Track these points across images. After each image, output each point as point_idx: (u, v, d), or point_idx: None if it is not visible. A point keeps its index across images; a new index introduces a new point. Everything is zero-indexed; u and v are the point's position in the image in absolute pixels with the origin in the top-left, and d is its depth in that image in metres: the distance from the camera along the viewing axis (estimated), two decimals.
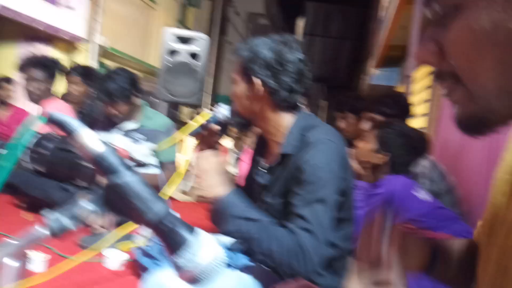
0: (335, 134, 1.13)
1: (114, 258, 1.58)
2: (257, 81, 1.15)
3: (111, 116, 2.32)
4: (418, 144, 1.71)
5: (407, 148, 1.66)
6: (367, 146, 1.74)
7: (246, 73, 1.17)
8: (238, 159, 4.34)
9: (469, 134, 0.43)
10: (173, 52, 2.83)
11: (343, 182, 1.09)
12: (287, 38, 1.18)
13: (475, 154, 2.02)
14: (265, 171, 1.25)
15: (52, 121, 0.48)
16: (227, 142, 4.69)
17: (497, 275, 0.51)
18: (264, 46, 1.14)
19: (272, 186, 1.13)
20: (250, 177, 1.35)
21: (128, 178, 0.48)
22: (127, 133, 2.36)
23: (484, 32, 0.37)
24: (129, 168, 0.49)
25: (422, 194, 1.61)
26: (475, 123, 0.42)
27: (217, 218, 1.08)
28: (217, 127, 1.23)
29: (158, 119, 2.42)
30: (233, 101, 1.24)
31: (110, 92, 2.18)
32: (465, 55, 0.39)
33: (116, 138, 2.33)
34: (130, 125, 2.36)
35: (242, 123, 1.30)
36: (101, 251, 1.69)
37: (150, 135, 2.34)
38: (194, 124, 1.23)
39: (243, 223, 1.05)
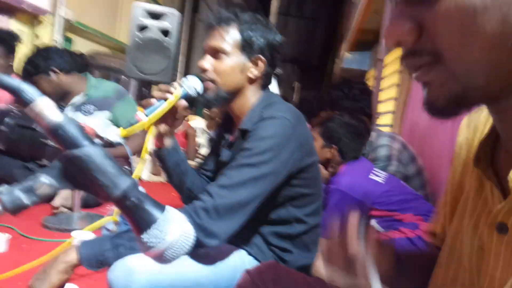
0: (293, 112, 1.11)
1: (83, 239, 1.53)
2: (262, 60, 1.16)
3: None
4: (360, 129, 1.83)
5: (351, 135, 1.76)
6: (315, 145, 1.80)
7: (249, 49, 1.13)
8: (211, 139, 4.29)
9: (441, 117, 0.42)
10: (143, 28, 2.73)
11: (294, 157, 1.07)
12: (267, 20, 1.21)
13: (441, 137, 2.08)
14: (227, 148, 1.23)
15: (2, 85, 0.44)
16: (199, 122, 4.62)
17: (449, 258, 0.52)
18: (268, 28, 1.17)
19: (230, 162, 1.11)
20: (216, 155, 1.33)
21: (89, 150, 0.45)
22: (74, 107, 2.29)
23: (480, 4, 0.35)
24: (90, 139, 0.46)
25: (380, 177, 1.67)
26: (451, 104, 0.40)
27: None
28: (184, 104, 1.12)
29: (104, 86, 2.37)
30: (216, 74, 1.13)
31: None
32: (456, 31, 0.37)
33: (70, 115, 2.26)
34: (77, 98, 2.30)
35: (211, 99, 1.17)
36: (70, 232, 1.63)
37: (100, 104, 2.29)
38: (158, 104, 1.07)
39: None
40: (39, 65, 2.17)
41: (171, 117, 1.16)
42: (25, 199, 0.43)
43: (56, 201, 1.93)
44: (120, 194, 0.46)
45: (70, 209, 1.93)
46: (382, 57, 3.01)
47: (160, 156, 1.22)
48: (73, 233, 1.56)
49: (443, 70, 0.39)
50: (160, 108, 1.06)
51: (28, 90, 0.44)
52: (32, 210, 0.46)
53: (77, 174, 0.46)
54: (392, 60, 4.03)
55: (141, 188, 0.50)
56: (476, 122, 0.55)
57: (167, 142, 1.20)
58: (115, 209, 1.37)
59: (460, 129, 0.59)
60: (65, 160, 0.46)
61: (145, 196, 0.49)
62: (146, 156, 1.13)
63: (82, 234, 1.52)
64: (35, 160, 2.16)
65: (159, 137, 1.19)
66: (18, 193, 0.43)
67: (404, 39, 0.41)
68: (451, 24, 0.37)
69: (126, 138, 2.27)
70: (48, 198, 0.46)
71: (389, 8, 3.06)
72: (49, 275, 0.94)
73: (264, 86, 1.21)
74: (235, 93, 1.16)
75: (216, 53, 1.14)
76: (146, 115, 1.04)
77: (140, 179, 3.09)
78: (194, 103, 1.11)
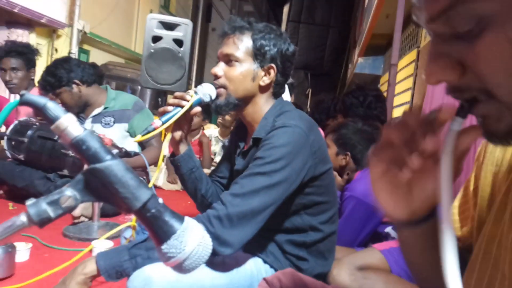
0: (305, 120, 1.12)
1: (102, 248, 1.56)
2: (274, 69, 1.17)
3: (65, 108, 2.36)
4: (374, 135, 1.81)
5: (365, 142, 1.75)
6: (329, 152, 1.80)
7: (261, 58, 1.15)
8: (224, 146, 4.32)
9: (502, 145, 0.42)
10: (156, 38, 2.78)
11: (307, 166, 1.08)
12: (281, 30, 1.23)
13: None
14: (241, 157, 1.24)
15: (25, 102, 0.46)
16: (213, 130, 4.66)
17: (483, 263, 0.51)
18: (282, 38, 1.18)
19: (244, 171, 1.12)
20: (230, 163, 1.34)
21: (109, 163, 0.47)
22: (94, 119, 2.34)
23: None
24: (110, 152, 0.48)
25: None
26: (511, 134, 0.40)
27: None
28: (198, 110, 1.16)
29: (123, 98, 2.41)
30: (228, 80, 1.16)
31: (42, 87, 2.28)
32: (504, 69, 0.37)
33: (87, 127, 2.30)
34: (95, 110, 2.35)
35: (222, 105, 1.20)
36: (90, 241, 1.66)
37: (119, 116, 2.33)
38: (171, 109, 1.11)
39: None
40: (62, 78, 2.21)
41: (187, 123, 1.19)
42: (51, 212, 0.45)
43: (76, 211, 1.97)
44: (141, 206, 0.48)
45: (90, 218, 1.96)
46: (395, 62, 2.99)
47: (175, 163, 1.24)
48: (93, 242, 1.59)
49: (496, 104, 0.39)
50: (175, 114, 1.10)
51: (53, 108, 0.46)
52: None
53: (99, 187, 0.48)
54: (406, 65, 4.00)
55: (160, 200, 0.51)
56: None
57: (182, 148, 1.22)
58: (133, 217, 1.40)
59: None
60: (88, 174, 0.47)
61: (164, 207, 0.50)
62: (162, 164, 1.16)
63: (102, 243, 1.55)
64: (55, 170, 2.21)
65: (174, 143, 1.21)
66: (45, 207, 0.45)
67: (446, 78, 0.41)
68: (500, 61, 0.37)
69: (142, 147, 2.31)
70: (70, 209, 0.47)
71: (401, 12, 3.04)
72: (69, 287, 0.96)
73: (276, 94, 1.22)
74: (246, 100, 1.18)
75: (229, 60, 1.16)
76: (162, 122, 1.08)
77: (155, 186, 3.13)
78: (210, 112, 1.14)
